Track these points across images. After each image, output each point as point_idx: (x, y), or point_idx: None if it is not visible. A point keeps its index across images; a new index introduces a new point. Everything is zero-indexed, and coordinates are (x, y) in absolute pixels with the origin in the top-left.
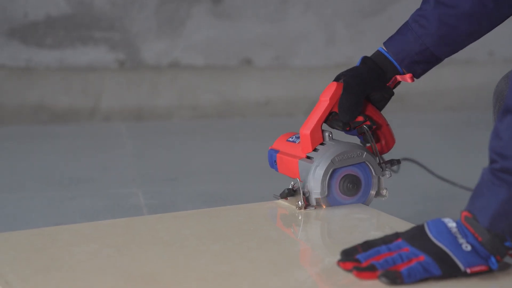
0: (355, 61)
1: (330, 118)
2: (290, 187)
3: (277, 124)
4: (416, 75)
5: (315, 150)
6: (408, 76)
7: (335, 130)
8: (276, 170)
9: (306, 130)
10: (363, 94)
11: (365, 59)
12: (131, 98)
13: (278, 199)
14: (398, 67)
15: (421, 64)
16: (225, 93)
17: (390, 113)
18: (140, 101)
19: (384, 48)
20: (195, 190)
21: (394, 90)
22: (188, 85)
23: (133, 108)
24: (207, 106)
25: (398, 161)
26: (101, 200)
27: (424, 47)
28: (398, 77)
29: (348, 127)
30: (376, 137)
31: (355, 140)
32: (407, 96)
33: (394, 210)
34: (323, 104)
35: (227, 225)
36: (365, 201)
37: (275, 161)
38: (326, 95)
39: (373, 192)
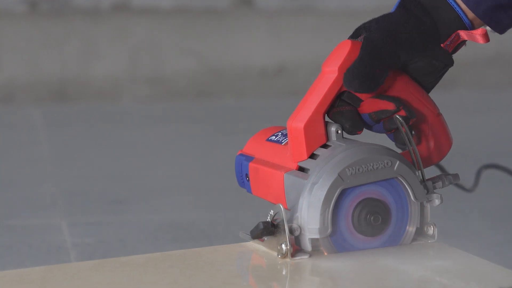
0: None
1: (339, 105)
2: (269, 219)
3: (293, 107)
4: (500, 28)
5: (312, 156)
6: (479, 33)
7: None
8: (249, 190)
9: (298, 122)
10: (393, 60)
11: (406, 1)
12: (48, 65)
13: (249, 239)
14: (464, 16)
15: (510, 10)
16: (208, 56)
17: (445, 90)
18: (65, 70)
19: None
20: (151, 220)
21: (455, 56)
22: (145, 42)
23: (51, 81)
24: (177, 78)
25: (455, 176)
26: None
27: None
28: (463, 34)
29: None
30: (419, 135)
31: (385, 140)
32: (474, 64)
33: (473, 247)
34: (327, 79)
35: (172, 281)
36: (398, 244)
37: (246, 175)
38: (333, 63)
39: (411, 229)
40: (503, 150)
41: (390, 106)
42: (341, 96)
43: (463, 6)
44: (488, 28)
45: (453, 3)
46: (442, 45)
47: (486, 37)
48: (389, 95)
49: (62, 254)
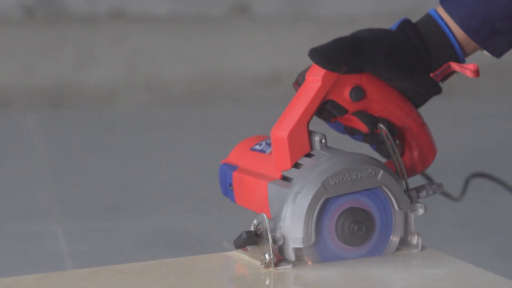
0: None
1: (324, 113)
2: (252, 228)
3: None
4: (498, 53)
5: (296, 165)
6: (470, 67)
7: (335, 133)
8: (232, 199)
9: (281, 131)
10: (369, 61)
11: (405, 24)
12: (45, 70)
13: (232, 249)
14: (458, 48)
15: (507, 36)
16: (204, 62)
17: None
18: (61, 76)
19: (439, 12)
20: (147, 227)
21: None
22: (141, 48)
23: (48, 86)
24: (173, 84)
25: (439, 186)
26: None
27: None
28: (454, 65)
29: (333, 118)
30: (403, 145)
31: (370, 149)
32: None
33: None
34: (311, 88)
35: None
36: (382, 254)
37: (230, 184)
38: (317, 72)
39: (395, 239)
40: (497, 158)
41: (364, 128)
42: (325, 105)
43: (459, 34)
44: (486, 52)
45: (449, 33)
46: (432, 74)
47: (477, 73)
48: (370, 115)
49: (58, 261)
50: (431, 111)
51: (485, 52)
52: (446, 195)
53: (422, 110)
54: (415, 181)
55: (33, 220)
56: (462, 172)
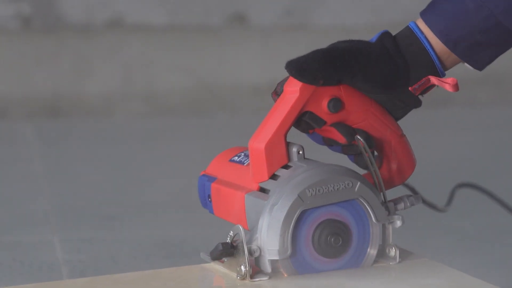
0: None
1: (301, 124)
2: (228, 240)
3: None
4: (479, 65)
5: (273, 177)
6: (449, 82)
7: (314, 144)
8: (211, 211)
9: (259, 143)
10: (344, 73)
11: (384, 37)
12: (41, 80)
13: (209, 260)
14: (436, 59)
15: (488, 49)
16: (201, 72)
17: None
18: (58, 86)
19: (419, 24)
20: (144, 237)
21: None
22: (138, 58)
23: (44, 96)
24: (170, 94)
25: (417, 198)
26: None
27: (493, 21)
28: (433, 79)
29: (311, 129)
30: (381, 157)
31: (347, 162)
32: (466, 83)
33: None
34: (289, 99)
35: None
36: (359, 266)
37: (209, 195)
38: (294, 83)
39: (372, 251)
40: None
41: (341, 140)
42: (302, 116)
43: (438, 47)
44: (467, 65)
45: (428, 46)
46: (410, 87)
47: (456, 87)
48: (348, 126)
49: (54, 271)
50: (421, 120)
51: (466, 65)
52: (431, 206)
53: (409, 120)
54: (394, 193)
55: (29, 229)
56: (451, 182)
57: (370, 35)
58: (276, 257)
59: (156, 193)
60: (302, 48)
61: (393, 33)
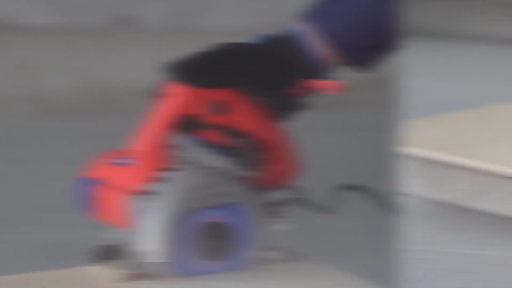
0: None
1: (184, 126)
2: (110, 242)
3: None
4: (364, 67)
5: (156, 179)
6: (330, 85)
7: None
8: (91, 213)
9: (141, 144)
10: (220, 77)
11: (268, 39)
12: None
13: (90, 263)
14: (319, 61)
15: (371, 50)
16: (88, 74)
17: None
18: None
19: (303, 26)
20: (29, 238)
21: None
22: (23, 60)
23: None
24: (57, 96)
25: (300, 200)
26: None
27: (378, 23)
28: (315, 82)
29: (194, 131)
30: (265, 159)
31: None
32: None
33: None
34: (172, 100)
35: None
36: (242, 268)
37: (88, 198)
38: (177, 85)
39: (256, 253)
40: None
41: (225, 142)
42: (185, 118)
43: (322, 50)
44: (352, 67)
45: (311, 48)
46: (295, 90)
47: (338, 89)
48: (231, 129)
49: None
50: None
51: (351, 67)
52: (318, 207)
53: (294, 123)
54: (279, 195)
55: None
56: (339, 183)
57: (255, 37)
58: (158, 260)
59: (43, 195)
60: (188, 50)
61: (278, 35)
